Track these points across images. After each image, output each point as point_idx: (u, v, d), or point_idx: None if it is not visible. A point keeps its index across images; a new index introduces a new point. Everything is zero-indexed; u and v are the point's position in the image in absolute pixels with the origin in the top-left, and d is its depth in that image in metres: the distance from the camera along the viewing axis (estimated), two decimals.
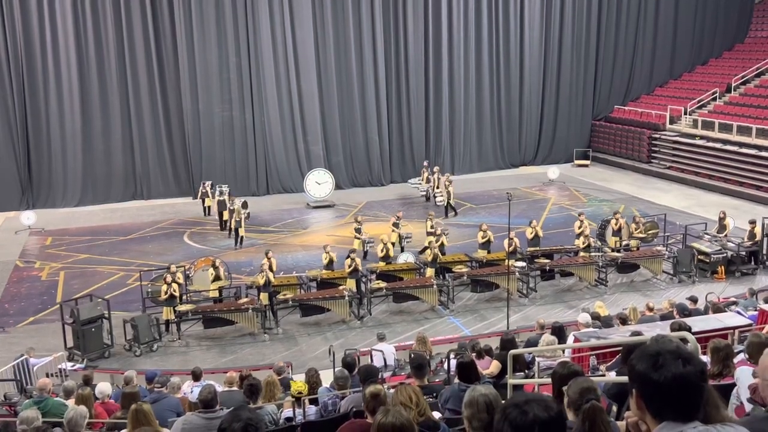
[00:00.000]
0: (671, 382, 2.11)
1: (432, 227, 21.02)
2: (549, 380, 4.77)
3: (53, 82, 28.45)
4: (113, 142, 29.55)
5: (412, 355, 11.41)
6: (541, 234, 20.29)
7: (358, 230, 21.11)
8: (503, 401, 2.31)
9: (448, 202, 25.64)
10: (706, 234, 20.53)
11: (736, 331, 9.28)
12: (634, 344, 5.44)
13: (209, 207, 26.54)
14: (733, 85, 34.14)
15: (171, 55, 29.58)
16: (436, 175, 27.48)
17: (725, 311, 11.46)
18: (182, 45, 29.28)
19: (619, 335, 9.98)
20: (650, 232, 21.21)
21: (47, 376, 12.09)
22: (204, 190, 26.57)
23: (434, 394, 7.30)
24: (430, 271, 18.38)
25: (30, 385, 12.03)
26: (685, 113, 33.52)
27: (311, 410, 8.14)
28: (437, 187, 26.86)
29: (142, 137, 29.84)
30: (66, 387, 9.45)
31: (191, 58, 29.44)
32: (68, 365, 14.15)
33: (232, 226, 22.99)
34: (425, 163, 29.61)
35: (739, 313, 11.20)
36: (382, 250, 19.02)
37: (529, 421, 2.15)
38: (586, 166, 35.27)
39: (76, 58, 28.53)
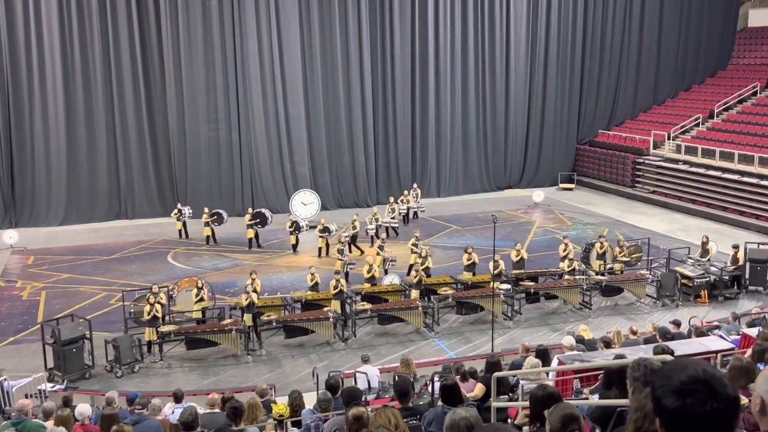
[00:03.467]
0: (700, 419, 1.97)
1: (414, 243, 21.18)
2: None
3: (38, 99, 28.34)
4: (98, 161, 29.42)
5: (396, 379, 11.35)
6: (526, 257, 20.37)
7: (341, 251, 21.11)
8: None
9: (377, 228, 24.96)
10: (690, 258, 20.67)
11: (719, 355, 9.30)
12: (617, 367, 5.45)
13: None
14: (716, 111, 34.58)
15: (158, 73, 29.60)
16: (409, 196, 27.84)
17: (708, 335, 11.49)
18: (169, 63, 29.31)
19: (603, 358, 9.98)
20: (634, 255, 21.32)
21: (26, 397, 11.92)
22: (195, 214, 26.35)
23: (418, 417, 7.27)
24: (415, 293, 18.35)
25: (8, 406, 11.85)
26: (669, 138, 33.88)
27: None
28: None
29: (127, 156, 29.73)
30: (45, 408, 9.31)
31: (178, 77, 29.47)
32: (48, 386, 13.96)
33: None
34: (414, 185, 29.79)
35: (721, 337, 11.23)
36: (368, 272, 18.99)
37: None
38: (571, 189, 35.50)
39: (62, 76, 28.46)
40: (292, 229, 24.61)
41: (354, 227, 24.26)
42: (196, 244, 25.60)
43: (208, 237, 25.71)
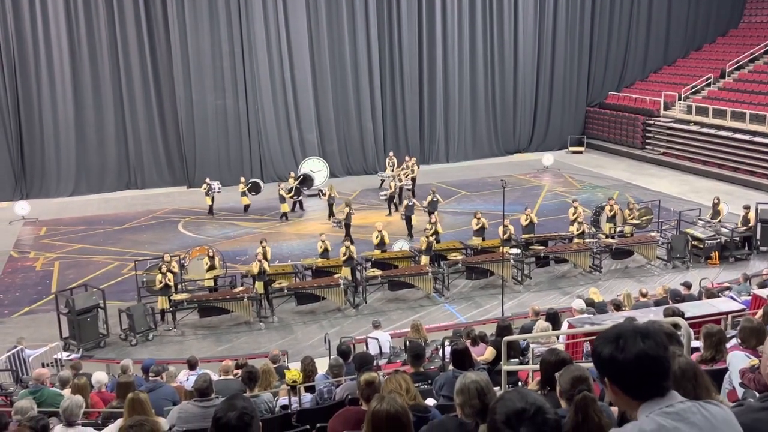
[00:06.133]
0: (635, 360, 2.16)
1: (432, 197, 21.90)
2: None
3: (45, 70, 28.30)
4: (106, 132, 29.44)
5: (408, 344, 11.44)
6: (535, 221, 20.35)
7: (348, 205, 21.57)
8: (494, 401, 2.35)
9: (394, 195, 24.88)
10: (700, 220, 20.60)
11: (729, 316, 9.32)
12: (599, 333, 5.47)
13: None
14: (727, 70, 34.16)
15: (163, 42, 29.44)
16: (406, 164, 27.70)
17: (719, 296, 11.50)
18: (175, 33, 29.11)
19: (613, 321, 10.01)
20: (644, 218, 21.26)
21: (43, 366, 12.10)
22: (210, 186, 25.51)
23: (429, 381, 7.34)
24: (424, 259, 18.40)
25: (26, 375, 12.04)
26: (680, 99, 33.54)
27: (307, 398, 8.18)
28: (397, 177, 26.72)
29: (136, 126, 29.74)
30: (62, 377, 9.45)
31: (184, 46, 29.29)
32: (64, 355, 14.16)
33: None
34: (390, 154, 29.55)
35: (732, 298, 11.25)
36: (377, 238, 19.03)
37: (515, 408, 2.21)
38: (581, 152, 35.29)
39: (68, 47, 28.38)
40: (291, 195, 24.70)
41: (390, 187, 24.64)
42: (204, 214, 25.60)
43: (246, 206, 25.43)
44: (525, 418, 2.18)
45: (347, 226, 21.32)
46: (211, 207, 25.42)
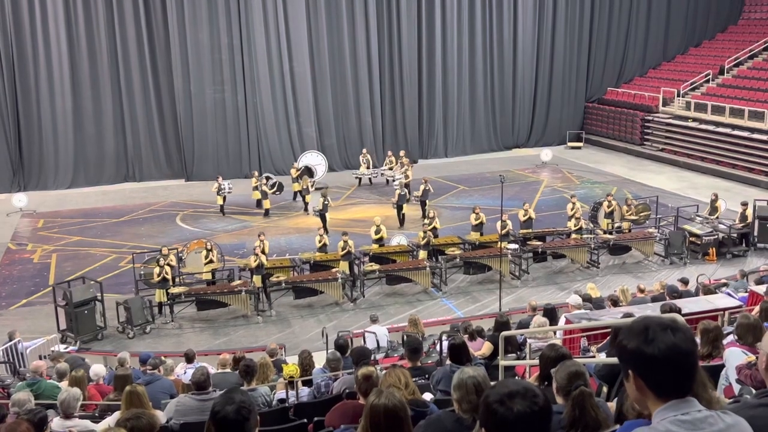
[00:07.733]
0: (664, 353, 2.07)
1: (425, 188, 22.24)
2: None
3: (43, 62, 28.20)
4: (104, 124, 29.38)
5: (406, 338, 11.46)
6: (533, 216, 20.36)
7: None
8: (487, 390, 2.30)
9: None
10: (698, 216, 20.62)
11: (726, 313, 9.34)
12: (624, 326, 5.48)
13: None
14: (726, 67, 34.14)
15: (162, 34, 29.34)
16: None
17: (716, 293, 11.52)
18: (173, 25, 29.02)
19: (610, 317, 10.03)
20: (642, 214, 21.28)
21: (40, 358, 12.09)
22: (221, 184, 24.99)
23: (426, 376, 7.35)
24: (422, 254, 18.41)
25: (23, 367, 12.03)
26: (678, 95, 33.53)
27: (304, 392, 8.19)
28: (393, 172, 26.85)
29: (134, 119, 29.67)
30: (59, 369, 9.45)
31: (182, 39, 29.21)
32: (61, 347, 14.14)
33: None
34: (364, 151, 29.50)
35: (729, 294, 11.27)
36: (375, 233, 19.04)
37: (513, 417, 2.11)
38: (579, 148, 35.29)
39: (66, 38, 28.28)
40: (273, 191, 24.60)
41: (407, 177, 24.84)
42: (204, 206, 25.59)
43: (258, 201, 25.01)
44: (517, 395, 2.15)
45: (323, 216, 21.43)
46: (221, 206, 24.90)
